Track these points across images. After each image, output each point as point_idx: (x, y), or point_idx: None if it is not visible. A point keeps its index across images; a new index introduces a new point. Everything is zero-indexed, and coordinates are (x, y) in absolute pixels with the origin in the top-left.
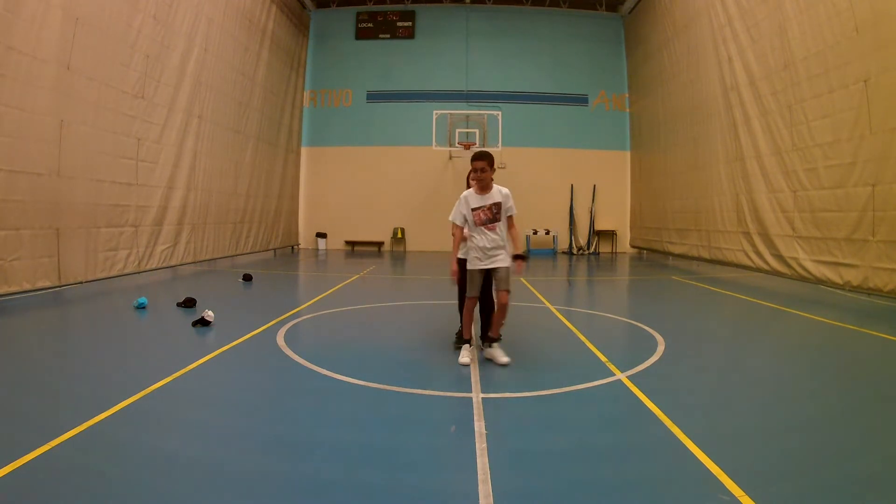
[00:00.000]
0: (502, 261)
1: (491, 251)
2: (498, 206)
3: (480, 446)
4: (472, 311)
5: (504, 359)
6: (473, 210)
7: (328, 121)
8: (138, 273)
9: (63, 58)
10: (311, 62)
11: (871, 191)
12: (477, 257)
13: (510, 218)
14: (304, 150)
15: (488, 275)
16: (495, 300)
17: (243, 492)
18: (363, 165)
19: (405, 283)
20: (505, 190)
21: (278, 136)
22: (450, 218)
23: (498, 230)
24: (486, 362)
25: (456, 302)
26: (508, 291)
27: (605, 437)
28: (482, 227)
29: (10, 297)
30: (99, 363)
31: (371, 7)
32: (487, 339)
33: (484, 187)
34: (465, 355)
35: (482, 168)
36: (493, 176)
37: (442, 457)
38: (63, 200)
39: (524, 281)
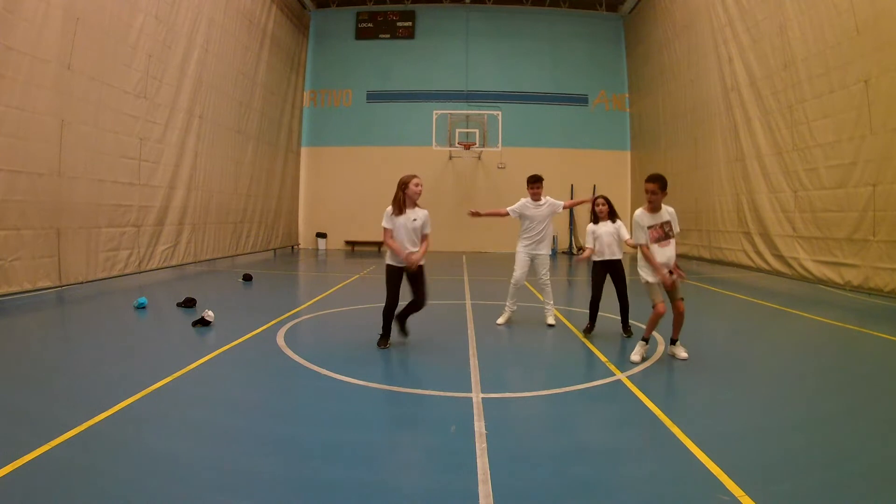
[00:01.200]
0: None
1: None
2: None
3: (480, 446)
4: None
5: (684, 353)
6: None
7: (328, 121)
8: (139, 273)
9: (64, 58)
10: (311, 62)
11: (871, 191)
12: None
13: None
14: (304, 150)
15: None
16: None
17: (243, 492)
18: (363, 165)
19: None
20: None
21: (278, 136)
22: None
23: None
24: (487, 362)
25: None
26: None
27: (605, 437)
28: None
29: (10, 298)
30: (99, 363)
31: (371, 7)
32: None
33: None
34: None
35: (653, 190)
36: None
37: (442, 457)
38: (64, 200)
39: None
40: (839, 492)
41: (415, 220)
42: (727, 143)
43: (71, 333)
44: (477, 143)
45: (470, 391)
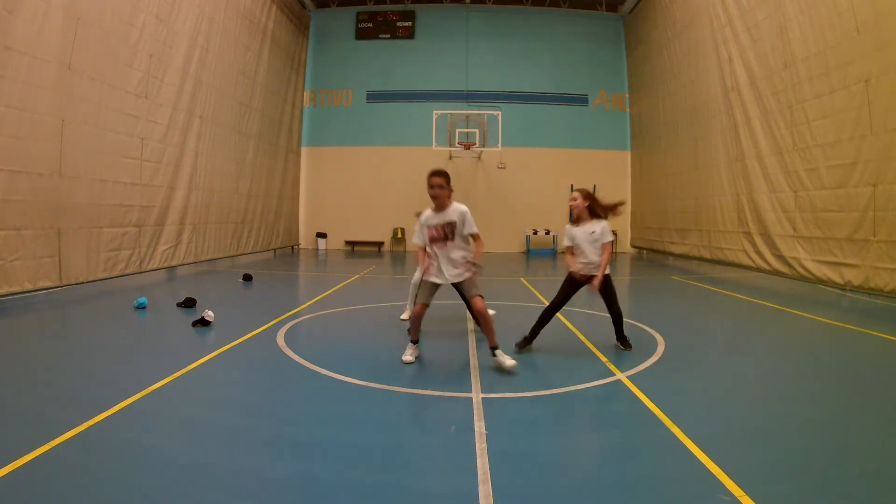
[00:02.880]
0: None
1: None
2: (452, 224)
3: (480, 446)
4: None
5: (509, 362)
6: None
7: (328, 121)
8: (139, 273)
9: (64, 58)
10: (311, 62)
11: (872, 191)
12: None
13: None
14: (304, 150)
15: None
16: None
17: (243, 492)
18: (363, 165)
19: (405, 283)
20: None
21: (279, 136)
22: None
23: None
24: (487, 362)
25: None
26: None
27: (605, 437)
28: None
29: (11, 298)
30: (99, 363)
31: (371, 7)
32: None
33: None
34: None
35: (440, 185)
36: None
37: (442, 457)
38: (64, 200)
39: (524, 281)
40: (839, 492)
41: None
42: (727, 143)
43: (71, 333)
44: (477, 143)
45: (470, 391)
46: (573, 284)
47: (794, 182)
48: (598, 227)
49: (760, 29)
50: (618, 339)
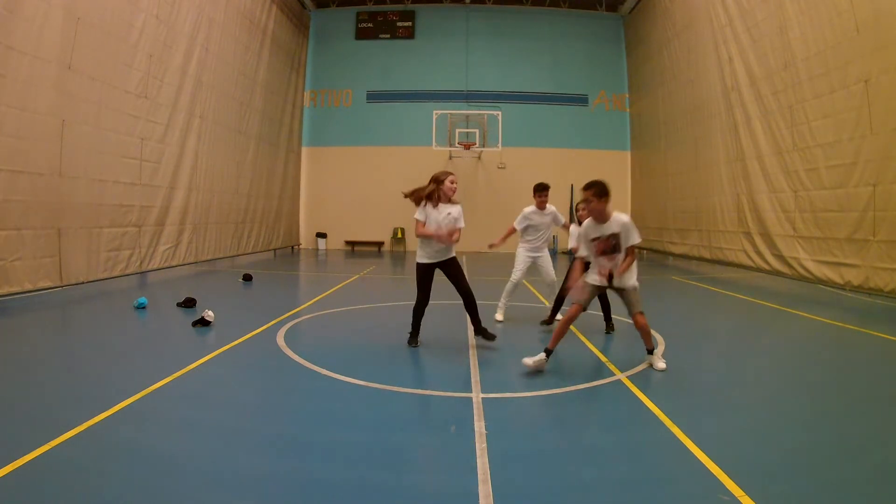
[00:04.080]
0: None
1: None
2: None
3: (480, 446)
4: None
5: (661, 364)
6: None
7: (328, 121)
8: (140, 273)
9: (64, 58)
10: (311, 62)
11: (871, 191)
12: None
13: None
14: (304, 150)
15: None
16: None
17: (243, 492)
18: (363, 165)
19: (405, 283)
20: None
21: (279, 136)
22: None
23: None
24: (487, 362)
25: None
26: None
27: (605, 437)
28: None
29: (11, 297)
30: (99, 363)
31: (371, 7)
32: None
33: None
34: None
35: (586, 199)
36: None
37: (442, 457)
38: (64, 200)
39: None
40: (839, 492)
41: (449, 213)
42: (727, 143)
43: (71, 333)
44: (477, 143)
45: (470, 391)
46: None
47: (794, 182)
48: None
49: (760, 29)
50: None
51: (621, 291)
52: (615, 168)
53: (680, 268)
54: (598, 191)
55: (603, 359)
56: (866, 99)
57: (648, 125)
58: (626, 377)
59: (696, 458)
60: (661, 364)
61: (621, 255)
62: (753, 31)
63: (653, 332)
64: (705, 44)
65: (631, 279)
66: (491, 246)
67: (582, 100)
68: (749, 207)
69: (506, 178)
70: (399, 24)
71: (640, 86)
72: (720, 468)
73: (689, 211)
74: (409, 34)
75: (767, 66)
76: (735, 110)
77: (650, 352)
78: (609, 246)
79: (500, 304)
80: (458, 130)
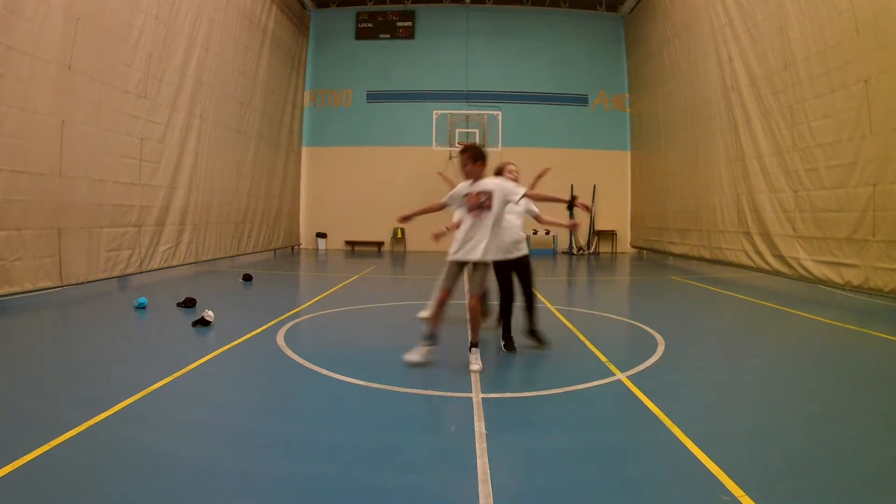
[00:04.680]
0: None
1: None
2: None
3: (480, 446)
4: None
5: (476, 366)
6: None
7: (328, 121)
8: (140, 273)
9: (64, 58)
10: (311, 62)
11: (871, 191)
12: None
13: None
14: (304, 150)
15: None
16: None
17: (243, 492)
18: (363, 165)
19: (405, 283)
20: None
21: (279, 136)
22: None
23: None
24: (487, 362)
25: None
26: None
27: (605, 437)
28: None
29: (11, 298)
30: (99, 363)
31: (371, 7)
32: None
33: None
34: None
35: (462, 161)
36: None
37: (442, 457)
38: (65, 200)
39: None
40: (839, 492)
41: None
42: (727, 143)
43: (71, 333)
44: (477, 143)
45: (470, 391)
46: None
47: (793, 182)
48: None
49: (760, 29)
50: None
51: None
52: (615, 168)
53: (680, 268)
54: (472, 154)
55: (603, 359)
56: (866, 99)
57: (648, 125)
58: (626, 377)
59: (696, 458)
60: (475, 366)
61: (490, 216)
62: (753, 31)
63: (652, 331)
64: (705, 44)
65: (475, 251)
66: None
67: (582, 100)
68: (749, 207)
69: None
70: (399, 24)
71: (640, 86)
72: (720, 468)
73: (689, 211)
74: (409, 34)
75: (767, 66)
76: (735, 110)
77: (474, 346)
78: (478, 201)
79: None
80: (458, 130)
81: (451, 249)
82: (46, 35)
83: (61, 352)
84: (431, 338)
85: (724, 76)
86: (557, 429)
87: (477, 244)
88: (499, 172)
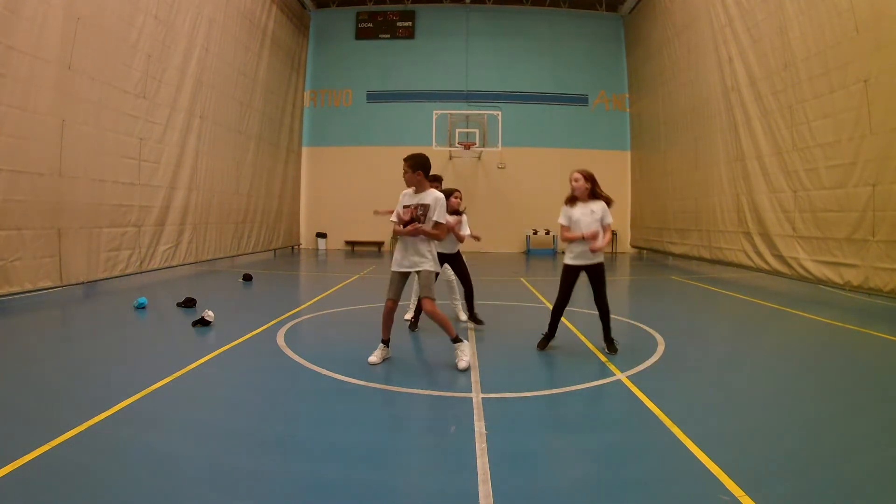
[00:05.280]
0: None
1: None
2: (425, 207)
3: (480, 446)
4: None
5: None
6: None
7: (328, 121)
8: (140, 273)
9: (64, 58)
10: (311, 62)
11: (871, 191)
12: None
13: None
14: (304, 150)
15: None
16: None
17: (243, 492)
18: (363, 165)
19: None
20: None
21: (279, 136)
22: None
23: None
24: (487, 362)
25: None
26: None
27: (605, 437)
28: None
29: (11, 298)
30: (99, 363)
31: (371, 7)
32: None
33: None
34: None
35: (404, 169)
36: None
37: (442, 457)
38: (65, 200)
39: (524, 281)
40: (839, 492)
41: (592, 211)
42: (727, 143)
43: (71, 333)
44: (477, 143)
45: (470, 391)
46: (573, 274)
47: (793, 182)
48: (598, 206)
49: (760, 29)
50: (605, 341)
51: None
52: (615, 168)
53: (680, 268)
54: (412, 163)
55: (603, 359)
56: (866, 99)
57: (648, 125)
58: (626, 377)
59: (696, 458)
60: (463, 363)
61: (425, 228)
62: (753, 31)
63: (652, 331)
64: (705, 44)
65: (424, 263)
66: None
67: (582, 100)
68: (749, 207)
69: (506, 178)
70: (399, 24)
71: (640, 86)
72: (720, 468)
73: (689, 211)
74: (409, 34)
75: (767, 66)
76: (735, 110)
77: (457, 341)
78: (415, 215)
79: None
80: (458, 130)
81: (395, 260)
82: (46, 35)
83: (61, 352)
84: (386, 342)
85: (724, 76)
86: (557, 429)
87: (420, 257)
88: (447, 195)
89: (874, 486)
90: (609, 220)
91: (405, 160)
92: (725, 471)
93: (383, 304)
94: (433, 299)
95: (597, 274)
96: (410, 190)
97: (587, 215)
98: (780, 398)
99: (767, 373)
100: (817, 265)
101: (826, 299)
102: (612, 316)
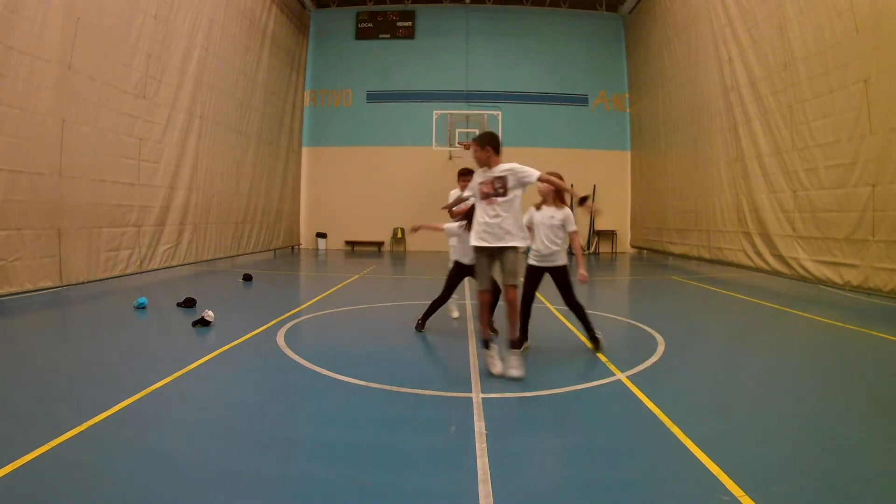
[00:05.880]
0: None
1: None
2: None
3: (480, 446)
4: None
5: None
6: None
7: (328, 121)
8: (140, 273)
9: (64, 57)
10: (311, 62)
11: (871, 191)
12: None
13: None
14: (304, 150)
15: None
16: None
17: (243, 492)
18: (363, 165)
19: (405, 283)
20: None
21: (279, 136)
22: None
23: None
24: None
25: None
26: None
27: (605, 437)
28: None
29: (11, 298)
30: (99, 363)
31: (371, 7)
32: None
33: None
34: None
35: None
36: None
37: (442, 457)
38: (65, 200)
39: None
40: (839, 492)
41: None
42: (727, 143)
43: (71, 333)
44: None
45: (470, 391)
46: (534, 273)
47: (793, 182)
48: (561, 213)
49: (760, 29)
50: (589, 340)
51: (501, 251)
52: (615, 168)
53: (680, 268)
54: (480, 140)
55: (603, 359)
56: (865, 99)
57: (648, 125)
58: (626, 377)
59: (696, 458)
60: (515, 371)
61: (505, 201)
62: (753, 31)
63: (652, 331)
64: (705, 44)
65: (513, 236)
66: (414, 229)
67: (582, 100)
68: (748, 207)
69: None
70: (399, 24)
71: (640, 86)
72: (720, 468)
73: (689, 211)
74: (409, 34)
75: (767, 66)
76: (735, 110)
77: (514, 346)
78: (493, 189)
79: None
80: (458, 130)
81: (472, 238)
82: (46, 35)
83: (61, 352)
84: (486, 344)
85: (723, 76)
86: (557, 429)
87: (504, 231)
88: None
89: (874, 486)
90: (571, 227)
91: (473, 140)
92: (725, 471)
93: (396, 305)
94: (517, 286)
95: (558, 276)
96: (481, 170)
97: (546, 219)
98: (779, 398)
99: (767, 373)
100: (817, 265)
101: (826, 299)
102: (612, 316)
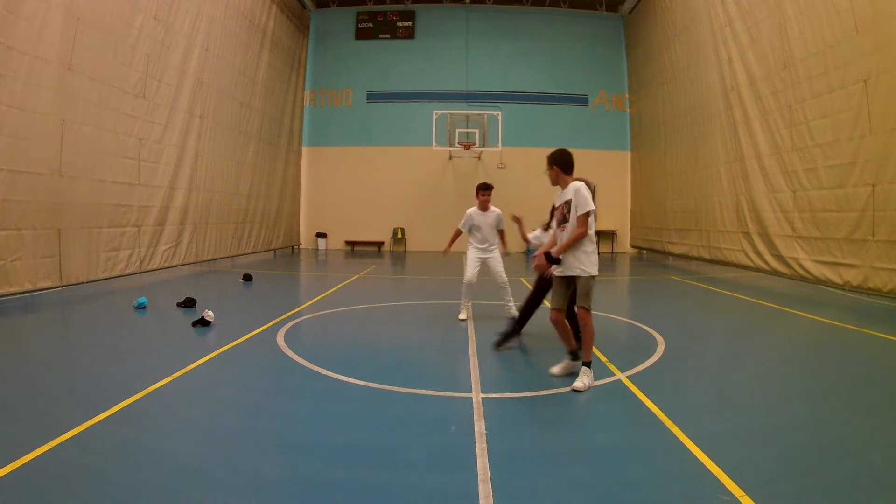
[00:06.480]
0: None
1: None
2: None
3: (480, 446)
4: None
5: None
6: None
7: (328, 121)
8: (140, 273)
9: (64, 58)
10: (311, 62)
11: (870, 191)
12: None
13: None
14: (304, 150)
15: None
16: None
17: (243, 492)
18: (363, 165)
19: (405, 283)
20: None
21: (279, 135)
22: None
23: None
24: (487, 362)
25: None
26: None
27: (605, 437)
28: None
29: (11, 298)
30: (99, 363)
31: (371, 7)
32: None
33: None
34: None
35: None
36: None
37: (442, 457)
38: (64, 200)
39: (525, 281)
40: (839, 492)
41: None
42: (727, 143)
43: (71, 333)
44: (477, 143)
45: (470, 391)
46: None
47: (792, 182)
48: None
49: (760, 29)
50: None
51: (571, 279)
52: (615, 168)
53: (680, 268)
54: (550, 159)
55: (603, 359)
56: (865, 99)
57: (648, 125)
58: (626, 377)
59: (696, 458)
60: (580, 383)
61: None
62: (753, 32)
63: (652, 331)
64: (705, 44)
65: (577, 264)
66: (445, 252)
67: (582, 100)
68: (748, 207)
69: (506, 178)
70: (399, 24)
71: (640, 86)
72: (720, 468)
73: (689, 211)
74: (409, 34)
75: (767, 66)
76: (734, 110)
77: (586, 365)
78: (562, 215)
79: (462, 305)
80: (458, 130)
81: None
82: (46, 35)
83: (61, 352)
84: (573, 354)
85: (723, 76)
86: (557, 429)
87: (575, 259)
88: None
89: (874, 486)
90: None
91: (547, 158)
92: (725, 471)
93: (396, 305)
94: (589, 309)
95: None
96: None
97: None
98: (779, 398)
99: (767, 373)
100: (817, 265)
101: (825, 299)
102: (612, 316)
